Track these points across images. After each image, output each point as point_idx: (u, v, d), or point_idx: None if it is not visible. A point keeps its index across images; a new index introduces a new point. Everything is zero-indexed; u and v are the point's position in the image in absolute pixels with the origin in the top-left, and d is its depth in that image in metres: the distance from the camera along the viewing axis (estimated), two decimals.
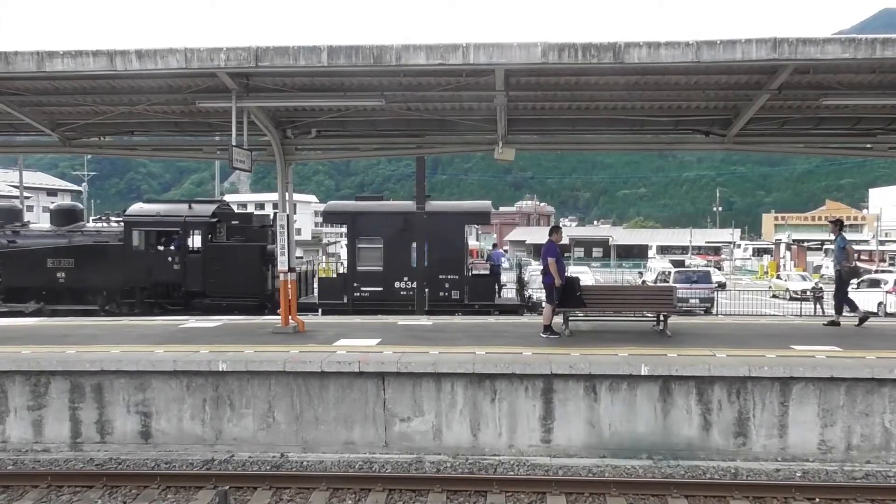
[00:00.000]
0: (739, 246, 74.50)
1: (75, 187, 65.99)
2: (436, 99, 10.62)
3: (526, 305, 18.94)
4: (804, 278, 34.29)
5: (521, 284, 20.58)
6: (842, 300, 12.50)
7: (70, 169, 76.56)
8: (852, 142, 12.28)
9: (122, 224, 18.63)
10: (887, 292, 22.51)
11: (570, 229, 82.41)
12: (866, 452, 8.24)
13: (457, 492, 7.20)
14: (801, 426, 8.28)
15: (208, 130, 12.63)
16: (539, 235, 59.99)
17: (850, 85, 9.71)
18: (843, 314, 12.45)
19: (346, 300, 17.72)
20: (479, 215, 21.48)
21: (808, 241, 60.48)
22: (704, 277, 25.88)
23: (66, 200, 50.84)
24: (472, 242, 42.72)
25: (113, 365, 8.86)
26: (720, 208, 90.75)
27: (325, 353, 9.26)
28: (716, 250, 75.39)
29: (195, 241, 18.33)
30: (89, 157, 54.02)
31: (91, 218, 21.65)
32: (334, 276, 20.87)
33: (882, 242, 60.38)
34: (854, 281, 23.84)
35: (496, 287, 20.04)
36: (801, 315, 20.69)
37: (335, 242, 61.66)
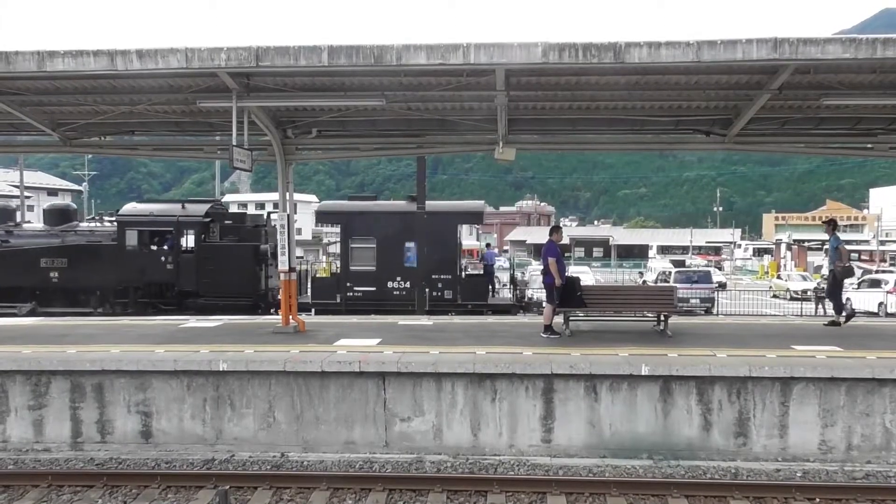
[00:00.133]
0: (740, 246, 74.50)
1: (76, 187, 65.98)
2: (436, 99, 10.62)
3: (519, 305, 18.93)
4: (805, 278, 34.26)
5: (514, 284, 20.63)
6: (839, 300, 12.56)
7: (71, 169, 76.57)
8: (853, 142, 12.28)
9: (115, 224, 18.64)
10: (888, 292, 22.50)
11: (571, 229, 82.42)
12: (867, 452, 8.24)
13: (457, 492, 7.19)
14: (802, 426, 8.28)
15: (209, 130, 12.63)
16: (539, 235, 59.94)
17: (850, 85, 9.70)
18: (838, 315, 12.46)
19: (339, 300, 17.75)
20: (472, 215, 21.52)
21: (809, 241, 60.36)
22: (705, 277, 25.88)
23: (66, 200, 50.85)
24: (473, 243, 42.77)
25: (113, 365, 8.86)
26: (721, 208, 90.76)
27: (326, 352, 9.26)
28: (716, 250, 75.44)
29: (188, 240, 18.36)
30: (90, 156, 54.10)
31: (86, 217, 21.62)
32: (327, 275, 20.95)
33: (882, 242, 60.32)
34: (855, 281, 23.87)
35: (490, 287, 20.06)
36: (801, 315, 20.68)
37: (335, 242, 61.64)
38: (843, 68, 9.16)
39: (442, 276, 17.62)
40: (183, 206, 18.92)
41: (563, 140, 12.50)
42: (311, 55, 8.68)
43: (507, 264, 35.98)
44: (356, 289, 17.81)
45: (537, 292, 18.79)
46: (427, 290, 17.48)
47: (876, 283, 23.99)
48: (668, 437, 8.39)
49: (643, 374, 8.35)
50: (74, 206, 25.36)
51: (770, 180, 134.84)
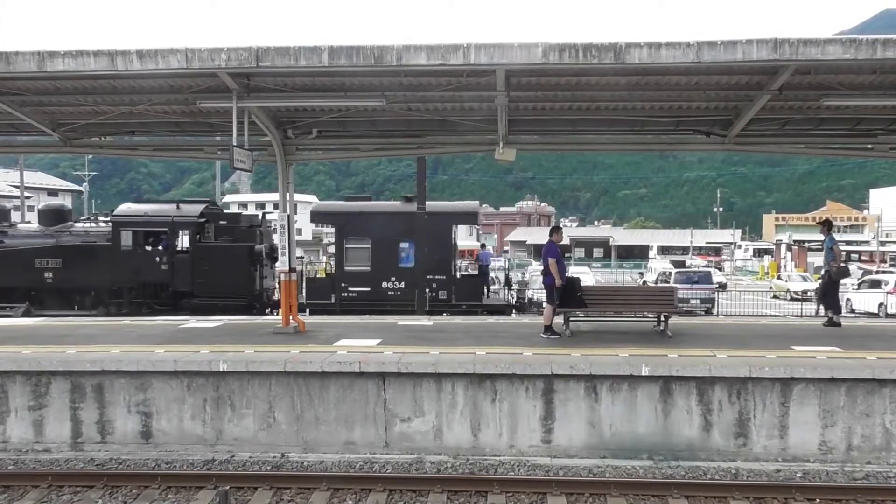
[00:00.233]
0: (740, 246, 74.49)
1: (76, 187, 65.98)
2: (436, 99, 10.62)
3: (513, 306, 18.94)
4: (805, 279, 34.26)
5: (508, 285, 20.62)
6: (836, 300, 12.58)
7: (71, 169, 76.56)
8: (853, 142, 12.28)
9: (110, 224, 18.64)
10: (888, 293, 22.50)
11: (571, 230, 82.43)
12: (867, 453, 8.24)
13: (457, 492, 7.19)
14: (802, 427, 8.28)
15: (209, 130, 12.63)
16: (540, 236, 59.94)
17: (850, 85, 9.71)
18: (836, 315, 12.48)
19: (333, 300, 17.75)
20: (467, 215, 21.52)
21: (809, 241, 60.33)
22: (705, 278, 25.89)
23: (67, 201, 50.84)
24: (472, 243, 42.72)
25: (113, 365, 8.86)
26: (721, 209, 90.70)
27: (326, 353, 9.26)
28: (716, 251, 75.38)
29: (183, 241, 18.35)
30: (90, 157, 54.09)
31: (81, 217, 21.60)
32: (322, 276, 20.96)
33: (883, 243, 60.33)
34: (855, 281, 23.88)
35: (485, 287, 20.06)
36: (801, 316, 20.66)
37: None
38: (844, 69, 9.17)
39: (437, 277, 17.62)
40: (178, 207, 18.90)
41: (564, 140, 12.51)
42: (311, 55, 8.68)
43: (505, 265, 36.00)
44: (351, 289, 17.81)
45: (538, 293, 18.79)
46: (422, 290, 17.47)
47: (876, 284, 24.01)
48: (668, 437, 8.39)
49: (643, 374, 8.35)
50: (69, 206, 25.32)
51: (770, 181, 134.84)
